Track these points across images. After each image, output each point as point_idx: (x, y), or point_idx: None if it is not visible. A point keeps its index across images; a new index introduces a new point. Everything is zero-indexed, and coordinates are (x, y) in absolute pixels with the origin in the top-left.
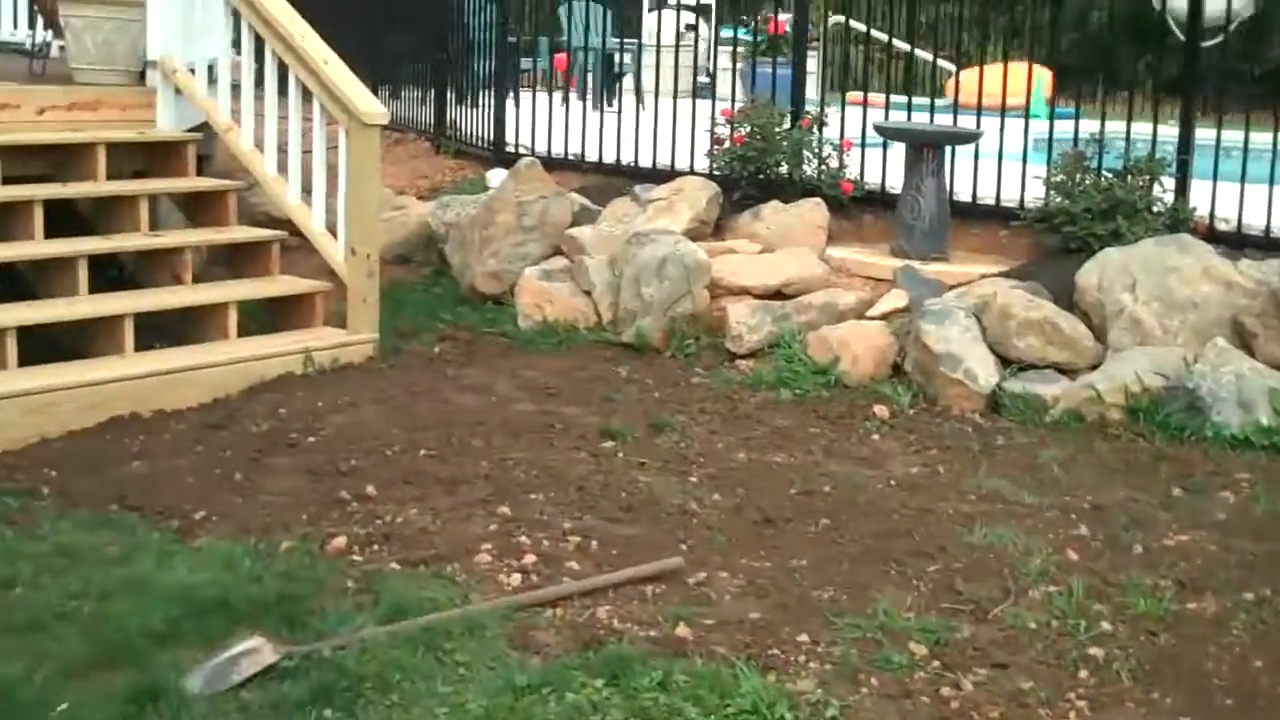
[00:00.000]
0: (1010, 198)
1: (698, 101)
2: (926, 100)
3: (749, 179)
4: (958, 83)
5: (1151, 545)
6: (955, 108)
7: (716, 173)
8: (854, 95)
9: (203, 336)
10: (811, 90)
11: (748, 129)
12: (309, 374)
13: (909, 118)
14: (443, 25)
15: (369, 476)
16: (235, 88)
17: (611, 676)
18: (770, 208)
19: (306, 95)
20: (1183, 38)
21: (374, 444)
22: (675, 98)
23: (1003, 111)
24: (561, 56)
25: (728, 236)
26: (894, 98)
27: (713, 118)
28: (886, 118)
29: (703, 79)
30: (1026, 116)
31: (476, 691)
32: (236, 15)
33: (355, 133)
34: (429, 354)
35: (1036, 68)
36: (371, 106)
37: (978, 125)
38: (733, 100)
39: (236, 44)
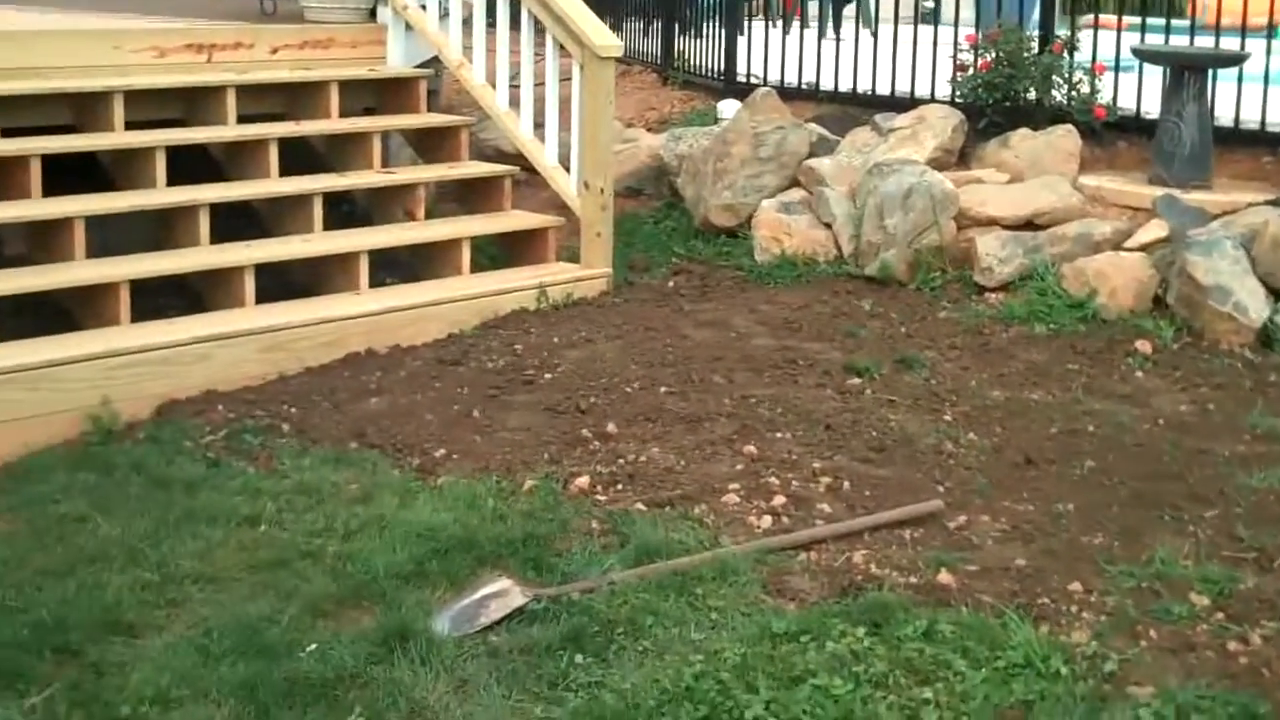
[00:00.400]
0: (1276, 121)
1: (927, 28)
2: (1178, 22)
3: (994, 106)
4: (1219, 2)
5: None
6: (1218, 30)
7: (959, 100)
8: (1106, 19)
9: (436, 272)
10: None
11: (993, 54)
12: (542, 309)
13: (1166, 40)
14: None
15: (609, 414)
16: (465, 23)
17: (873, 625)
18: (1019, 135)
19: (537, 29)
20: None
21: (612, 380)
22: (916, 23)
23: (1270, 32)
24: None
25: (973, 165)
26: (1146, 20)
27: (955, 43)
28: (1142, 40)
29: (928, 4)
30: None
31: (731, 638)
32: None
33: (589, 65)
34: (663, 288)
35: None
36: (606, 39)
37: (1242, 47)
38: (979, 25)
39: None
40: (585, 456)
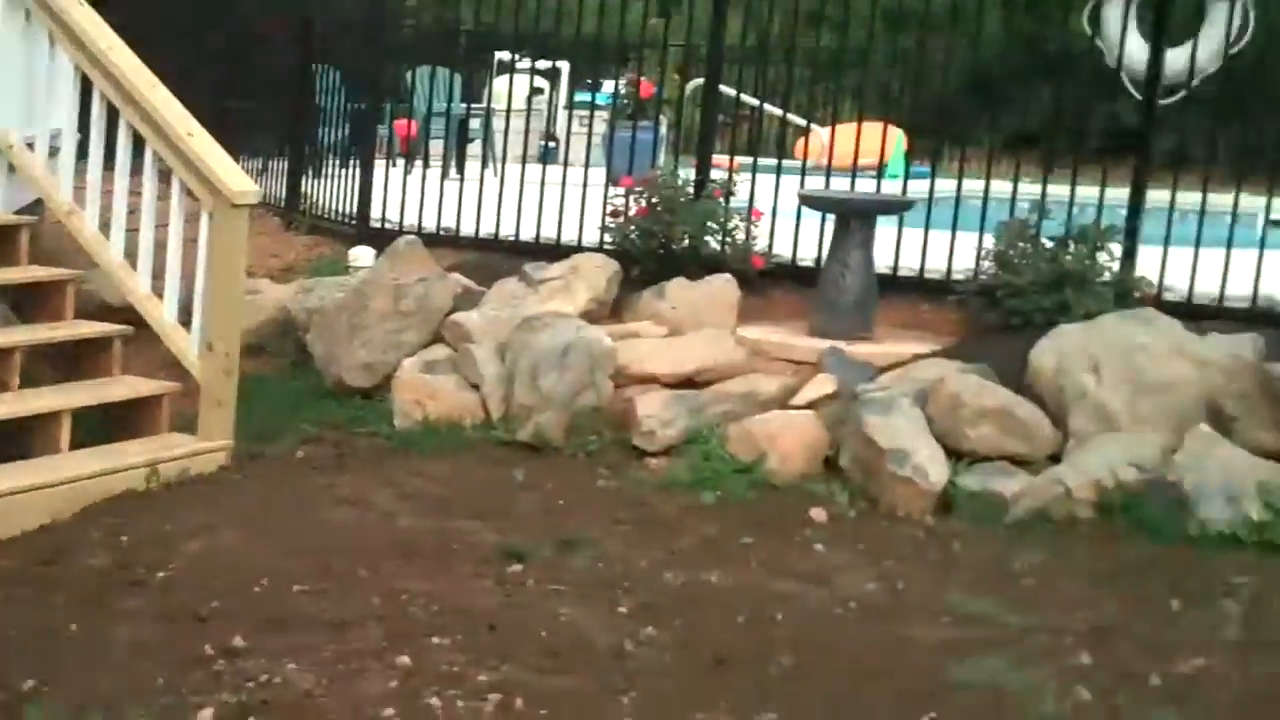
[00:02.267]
0: (933, 269)
1: (551, 168)
2: (789, 163)
3: (650, 254)
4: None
5: (1168, 674)
6: (828, 171)
7: (608, 246)
8: (719, 159)
9: (29, 451)
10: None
11: (650, 199)
12: (153, 490)
13: (826, 185)
14: (289, 89)
15: (235, 621)
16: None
17: None
18: (676, 284)
19: (162, 170)
20: (1139, 96)
21: (237, 578)
22: (545, 163)
23: (879, 172)
24: (403, 123)
25: (626, 318)
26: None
27: (606, 187)
28: (802, 184)
29: (550, 144)
30: (987, 185)
31: None
32: (87, 83)
33: (220, 213)
34: (293, 460)
35: (892, 127)
36: (241, 184)
37: (852, 187)
38: (610, 167)
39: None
40: (208, 680)
